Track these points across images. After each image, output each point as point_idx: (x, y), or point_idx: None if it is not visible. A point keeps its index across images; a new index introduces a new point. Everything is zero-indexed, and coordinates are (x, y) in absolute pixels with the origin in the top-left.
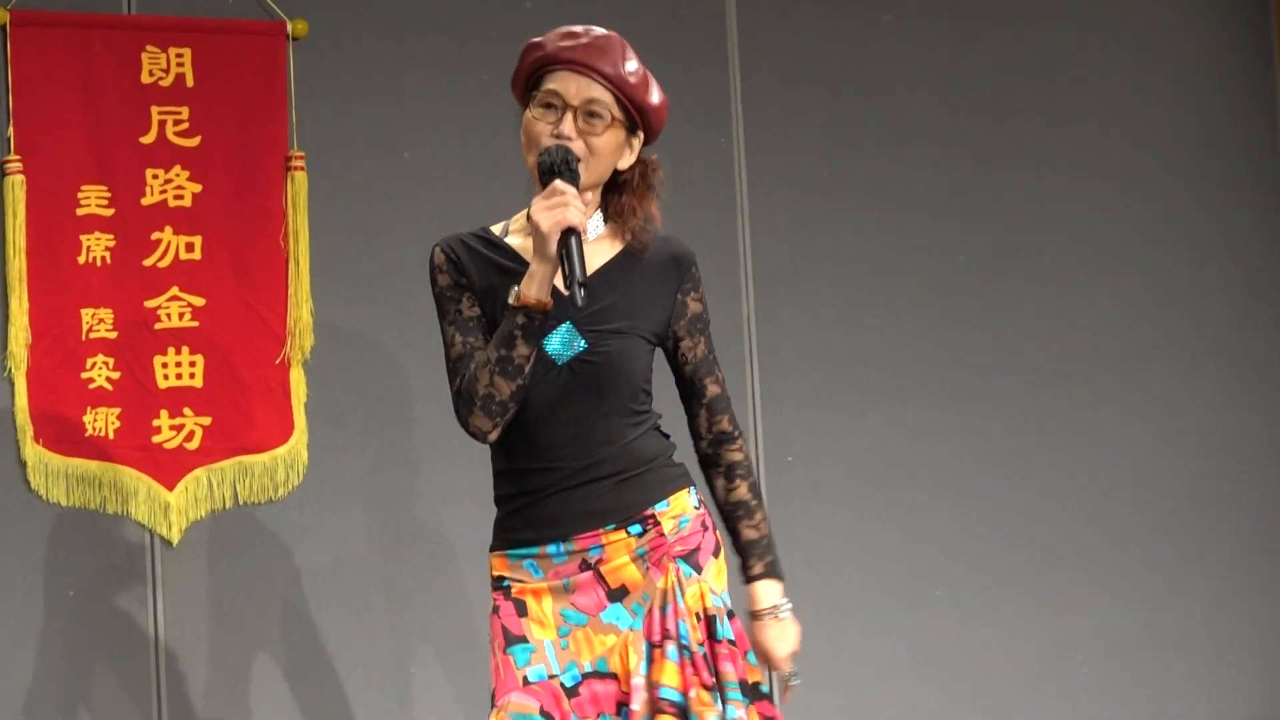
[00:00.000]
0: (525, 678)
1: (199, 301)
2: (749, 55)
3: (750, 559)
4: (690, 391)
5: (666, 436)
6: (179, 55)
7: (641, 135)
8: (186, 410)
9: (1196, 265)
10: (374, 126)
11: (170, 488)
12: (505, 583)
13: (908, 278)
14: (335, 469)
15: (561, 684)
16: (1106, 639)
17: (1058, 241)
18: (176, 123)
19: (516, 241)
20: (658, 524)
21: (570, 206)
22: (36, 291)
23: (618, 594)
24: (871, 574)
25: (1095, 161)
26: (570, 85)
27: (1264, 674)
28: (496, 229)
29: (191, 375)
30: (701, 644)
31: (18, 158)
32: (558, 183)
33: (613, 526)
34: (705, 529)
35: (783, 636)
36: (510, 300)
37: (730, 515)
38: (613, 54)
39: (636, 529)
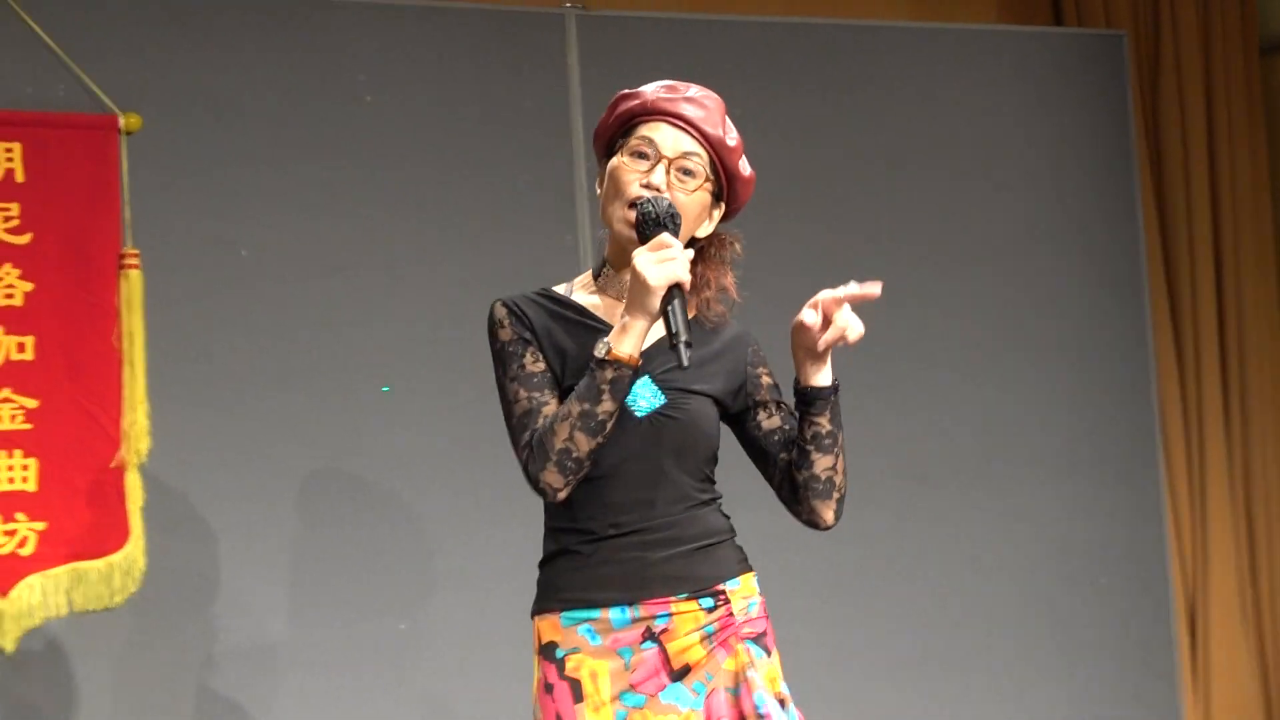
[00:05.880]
0: None
1: (31, 403)
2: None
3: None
4: (768, 457)
5: (727, 517)
6: (8, 150)
7: (723, 206)
8: (19, 515)
9: (1056, 368)
10: (210, 223)
11: (3, 594)
12: (559, 653)
13: None
14: (173, 575)
15: None
16: None
17: (912, 343)
18: (6, 219)
19: (586, 299)
20: (728, 602)
21: (679, 260)
22: None
23: (680, 674)
24: None
25: (948, 261)
26: (667, 136)
27: None
28: (559, 289)
29: (25, 479)
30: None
31: None
32: (665, 235)
33: (684, 596)
34: (768, 618)
35: None
36: (599, 353)
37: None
38: (713, 114)
39: (708, 603)
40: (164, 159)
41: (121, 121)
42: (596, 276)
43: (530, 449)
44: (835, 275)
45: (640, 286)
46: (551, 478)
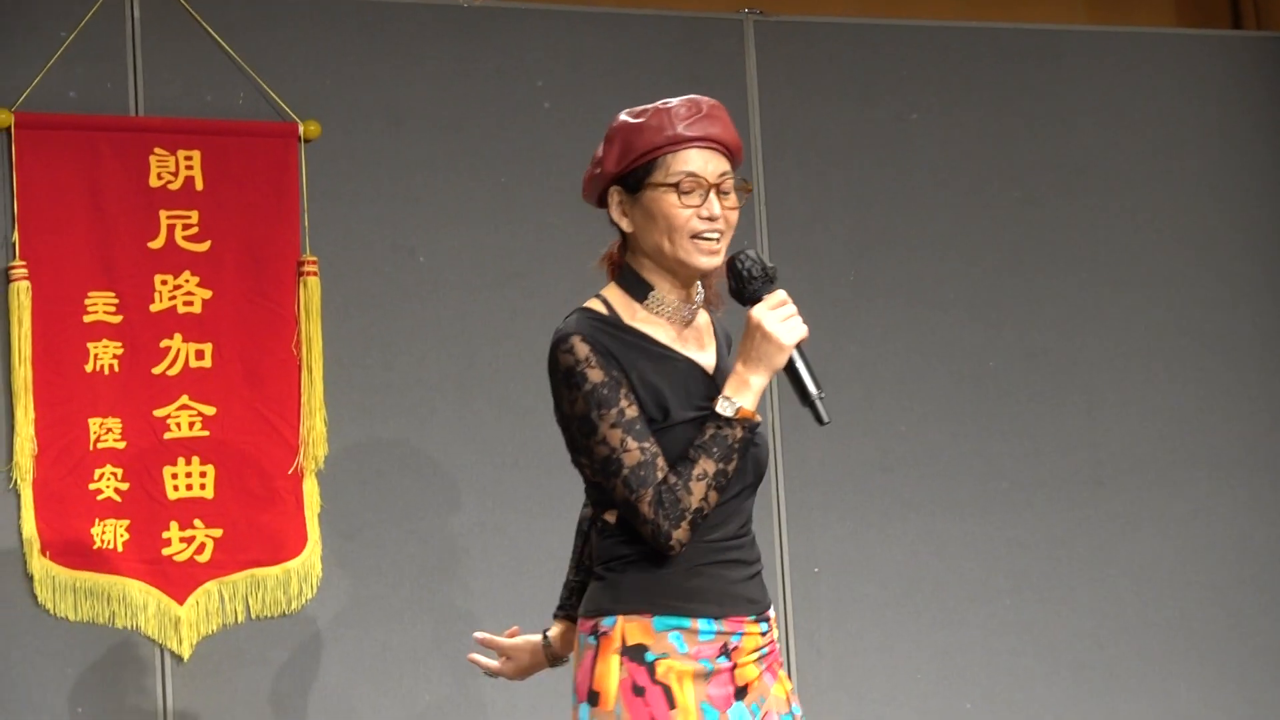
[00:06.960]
0: None
1: (210, 410)
2: (773, 156)
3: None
4: None
5: None
6: (188, 158)
7: None
8: (197, 522)
9: (1233, 369)
10: (388, 229)
11: (181, 601)
12: (649, 656)
13: (937, 383)
14: (350, 582)
15: None
16: None
17: (1090, 345)
18: (186, 227)
19: (642, 326)
20: (772, 628)
21: (798, 316)
22: (42, 401)
23: (741, 692)
24: (900, 687)
25: (1128, 263)
26: (707, 164)
27: None
28: (602, 311)
29: (202, 486)
30: None
31: (23, 263)
32: (782, 292)
33: (752, 618)
34: None
35: None
36: (727, 412)
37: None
38: (727, 121)
39: (764, 626)
40: (343, 166)
41: (301, 129)
42: (640, 301)
43: (661, 505)
44: (1017, 274)
45: (771, 345)
46: (684, 534)
